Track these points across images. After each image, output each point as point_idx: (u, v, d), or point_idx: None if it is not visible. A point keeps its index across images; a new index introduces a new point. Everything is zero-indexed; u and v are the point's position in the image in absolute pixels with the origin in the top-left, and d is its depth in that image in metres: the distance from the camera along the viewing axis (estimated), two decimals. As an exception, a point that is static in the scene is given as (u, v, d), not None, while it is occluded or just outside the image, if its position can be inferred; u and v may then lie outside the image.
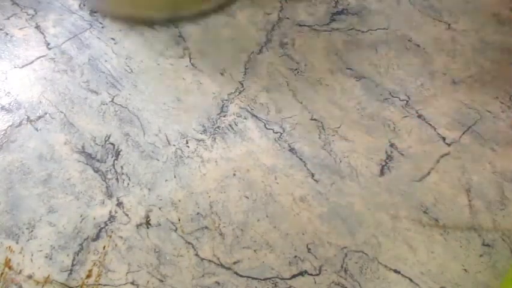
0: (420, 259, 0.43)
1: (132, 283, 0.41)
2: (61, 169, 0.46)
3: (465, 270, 0.42)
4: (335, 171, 0.48)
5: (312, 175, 0.47)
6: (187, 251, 0.42)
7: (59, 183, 0.45)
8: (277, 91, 0.54)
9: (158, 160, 0.48)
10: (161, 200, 0.45)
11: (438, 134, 0.51)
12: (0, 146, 0.49)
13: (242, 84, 0.54)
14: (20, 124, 0.51)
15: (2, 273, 0.40)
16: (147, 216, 0.44)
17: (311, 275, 0.42)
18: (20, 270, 0.40)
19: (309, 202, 0.46)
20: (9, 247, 0.41)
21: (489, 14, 0.63)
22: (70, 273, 0.41)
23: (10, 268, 0.40)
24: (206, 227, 0.44)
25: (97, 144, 0.48)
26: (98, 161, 0.47)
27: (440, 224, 0.45)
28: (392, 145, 0.50)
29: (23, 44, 0.56)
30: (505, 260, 0.43)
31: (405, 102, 0.53)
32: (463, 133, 0.51)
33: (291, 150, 0.49)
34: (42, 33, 0.57)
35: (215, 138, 0.50)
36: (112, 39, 0.57)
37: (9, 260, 0.40)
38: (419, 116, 0.52)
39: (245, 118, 0.51)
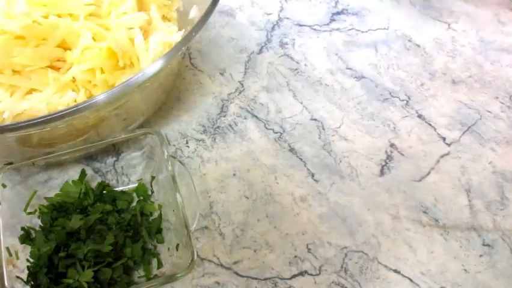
0: (420, 259, 0.43)
1: (132, 283, 0.41)
2: (61, 170, 0.46)
3: (465, 270, 0.42)
4: (335, 171, 0.48)
5: (312, 175, 0.47)
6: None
7: (59, 183, 0.45)
8: (277, 91, 0.54)
9: (157, 161, 0.47)
10: (161, 200, 0.45)
11: (438, 134, 0.51)
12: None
13: (242, 84, 0.54)
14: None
15: (5, 271, 0.40)
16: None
17: (311, 275, 0.42)
18: (24, 269, 0.40)
19: (309, 202, 0.46)
20: (13, 245, 0.41)
21: (489, 14, 0.63)
22: (70, 273, 0.41)
23: (14, 266, 0.40)
24: (206, 227, 0.44)
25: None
26: (98, 161, 0.47)
27: (440, 224, 0.45)
28: (392, 145, 0.50)
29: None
30: (505, 260, 0.43)
31: (405, 102, 0.53)
32: (463, 133, 0.51)
33: (291, 150, 0.49)
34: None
35: (215, 138, 0.50)
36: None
37: (13, 257, 0.40)
38: (419, 116, 0.52)
39: (245, 118, 0.51)
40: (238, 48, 0.58)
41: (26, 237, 0.40)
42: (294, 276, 0.42)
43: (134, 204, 0.44)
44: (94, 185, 0.45)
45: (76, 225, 0.39)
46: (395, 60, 0.57)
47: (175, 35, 0.45)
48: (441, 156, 0.49)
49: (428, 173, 0.48)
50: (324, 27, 0.60)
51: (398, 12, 0.63)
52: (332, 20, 0.56)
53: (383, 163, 0.48)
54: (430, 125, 0.51)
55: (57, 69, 0.43)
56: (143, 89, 0.43)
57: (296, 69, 0.56)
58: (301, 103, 0.53)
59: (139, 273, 0.40)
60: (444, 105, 0.53)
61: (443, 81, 0.55)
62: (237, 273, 0.42)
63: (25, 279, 0.39)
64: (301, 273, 0.42)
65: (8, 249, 0.39)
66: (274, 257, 0.42)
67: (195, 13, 0.47)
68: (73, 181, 0.44)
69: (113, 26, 0.43)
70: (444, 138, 0.50)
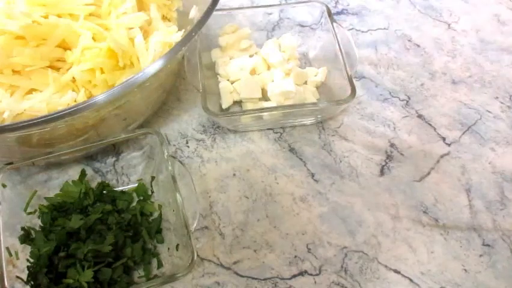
0: (420, 259, 0.43)
1: (132, 283, 0.41)
2: (61, 170, 0.46)
3: (465, 270, 0.42)
4: (335, 171, 0.48)
5: (312, 175, 0.47)
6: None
7: (59, 183, 0.45)
8: (277, 91, 0.54)
9: (157, 161, 0.47)
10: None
11: (438, 134, 0.51)
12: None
13: (242, 84, 0.54)
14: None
15: (5, 271, 0.40)
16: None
17: (311, 275, 0.42)
18: (24, 269, 0.40)
19: (309, 202, 0.46)
20: (13, 245, 0.41)
21: (489, 14, 0.63)
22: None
23: (14, 266, 0.40)
24: (206, 227, 0.44)
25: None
26: (98, 161, 0.47)
27: (440, 224, 0.45)
28: (392, 145, 0.50)
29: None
30: (505, 260, 0.43)
31: (405, 102, 0.53)
32: (463, 133, 0.51)
33: (291, 150, 0.49)
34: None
35: (215, 138, 0.50)
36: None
37: (13, 257, 0.41)
38: (419, 116, 0.52)
39: (245, 118, 0.51)
40: (238, 48, 0.57)
41: (26, 237, 0.41)
42: (294, 276, 0.42)
43: (134, 204, 0.44)
44: (94, 185, 0.45)
45: (76, 225, 0.39)
46: (395, 60, 0.57)
47: (175, 35, 0.45)
48: (441, 156, 0.49)
49: (428, 173, 0.48)
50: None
51: (398, 12, 0.63)
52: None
53: (383, 163, 0.48)
54: (430, 125, 0.51)
55: (58, 69, 0.43)
56: (143, 89, 0.43)
57: (296, 69, 0.56)
58: (301, 103, 0.52)
59: (139, 273, 0.40)
60: (444, 105, 0.53)
61: (443, 81, 0.55)
62: (237, 273, 0.42)
63: (25, 279, 0.39)
64: (301, 273, 0.42)
65: (8, 249, 0.39)
66: (274, 257, 0.42)
67: (194, 13, 0.47)
68: (73, 181, 0.44)
69: (113, 26, 0.43)
70: (444, 138, 0.50)
